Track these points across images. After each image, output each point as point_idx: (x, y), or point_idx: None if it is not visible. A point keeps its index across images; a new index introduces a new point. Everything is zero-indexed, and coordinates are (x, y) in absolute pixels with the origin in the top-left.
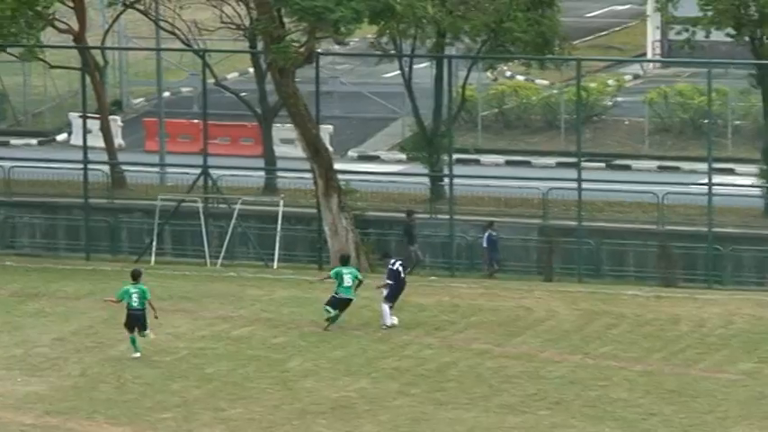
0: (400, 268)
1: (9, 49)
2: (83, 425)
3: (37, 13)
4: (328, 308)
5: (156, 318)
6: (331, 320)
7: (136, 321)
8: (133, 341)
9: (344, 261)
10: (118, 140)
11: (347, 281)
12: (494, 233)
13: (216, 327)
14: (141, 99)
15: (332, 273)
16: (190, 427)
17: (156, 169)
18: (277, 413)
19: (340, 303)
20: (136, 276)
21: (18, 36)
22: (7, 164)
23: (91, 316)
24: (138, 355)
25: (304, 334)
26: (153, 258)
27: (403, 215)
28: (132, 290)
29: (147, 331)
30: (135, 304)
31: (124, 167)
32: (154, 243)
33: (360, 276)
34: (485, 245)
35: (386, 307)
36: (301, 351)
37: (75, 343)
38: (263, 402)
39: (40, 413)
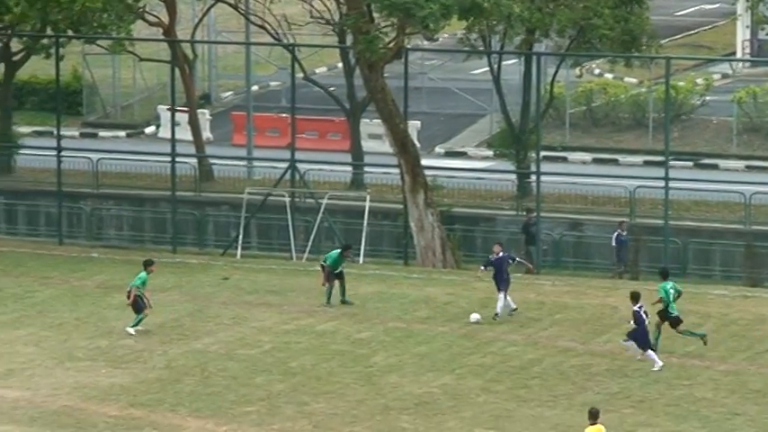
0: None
1: (99, 42)
2: (166, 417)
3: (127, 6)
4: None
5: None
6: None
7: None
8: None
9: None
10: (206, 134)
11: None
12: (623, 233)
13: (301, 321)
14: (230, 93)
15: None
16: (273, 421)
17: (244, 163)
18: (360, 408)
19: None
20: (144, 265)
21: (108, 28)
22: (95, 156)
23: (176, 308)
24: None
25: (388, 329)
26: (239, 252)
27: (488, 212)
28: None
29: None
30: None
31: (212, 161)
32: (240, 237)
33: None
34: (613, 244)
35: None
36: (385, 346)
37: (161, 335)
38: (346, 397)
39: (124, 405)
